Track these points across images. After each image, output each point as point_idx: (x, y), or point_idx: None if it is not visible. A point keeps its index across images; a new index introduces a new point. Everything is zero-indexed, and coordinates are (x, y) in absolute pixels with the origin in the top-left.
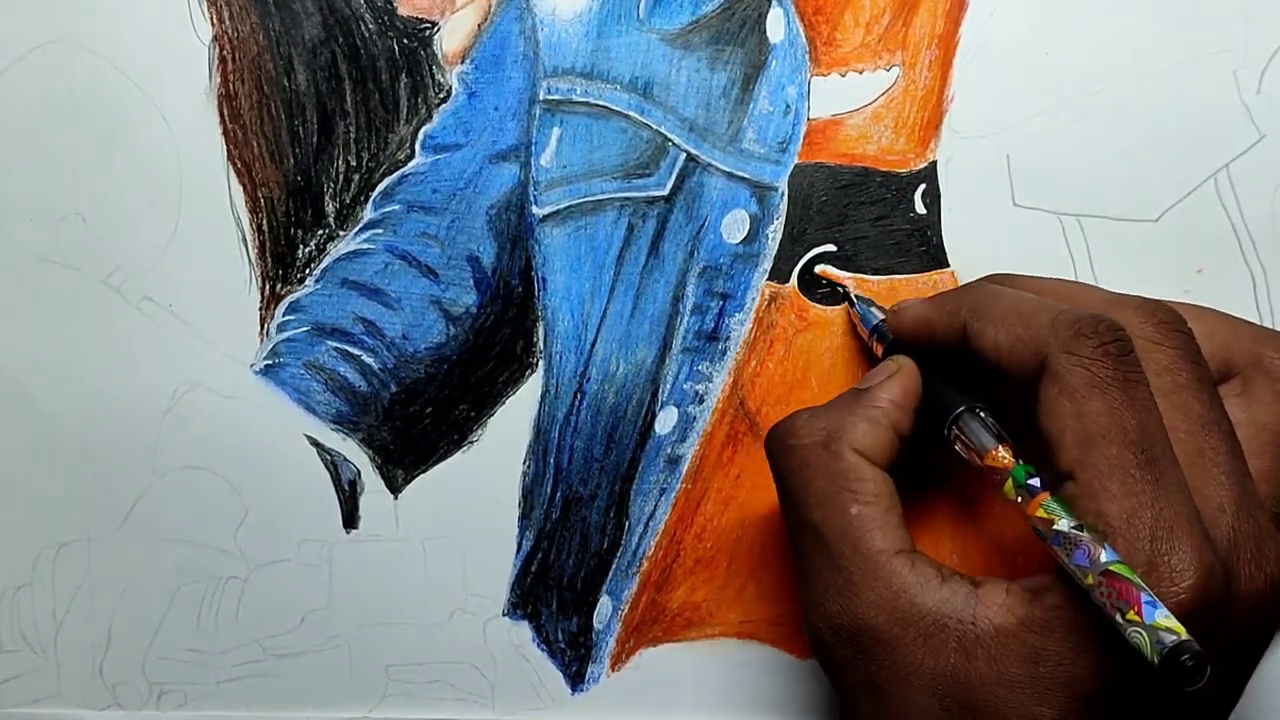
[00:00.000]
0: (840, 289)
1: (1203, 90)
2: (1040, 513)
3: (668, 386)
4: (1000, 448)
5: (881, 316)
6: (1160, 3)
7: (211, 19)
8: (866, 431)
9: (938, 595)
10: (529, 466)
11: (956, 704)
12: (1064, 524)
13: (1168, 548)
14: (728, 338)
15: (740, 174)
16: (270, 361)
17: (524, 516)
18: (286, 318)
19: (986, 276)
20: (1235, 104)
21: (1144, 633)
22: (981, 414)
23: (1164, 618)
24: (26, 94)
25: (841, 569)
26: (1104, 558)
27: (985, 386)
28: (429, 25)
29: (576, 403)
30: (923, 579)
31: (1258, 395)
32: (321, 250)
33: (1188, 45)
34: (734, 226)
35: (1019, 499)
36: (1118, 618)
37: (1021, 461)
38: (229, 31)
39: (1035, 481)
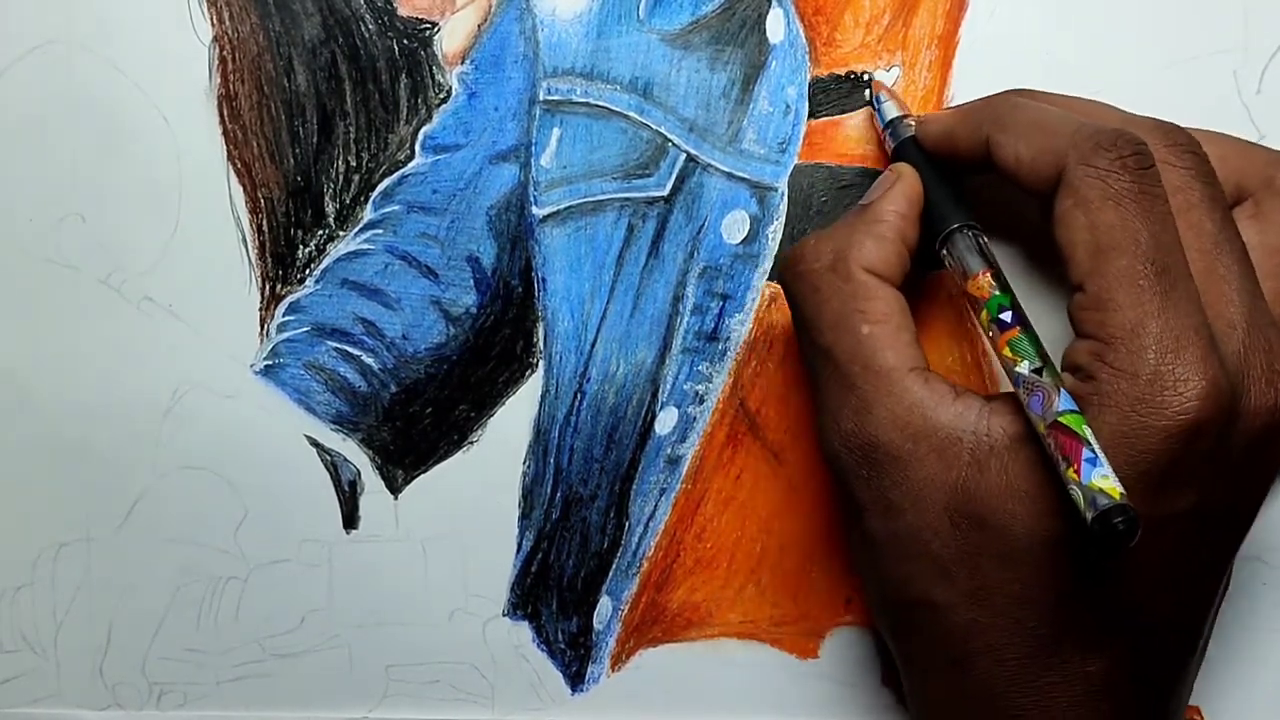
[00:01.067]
0: (862, 78)
1: (1203, 90)
2: (1006, 351)
3: (668, 387)
4: (984, 273)
5: (898, 113)
6: (1160, 2)
7: (211, 19)
8: (873, 248)
9: (951, 410)
10: (529, 467)
11: (965, 519)
12: (1025, 366)
13: (1173, 359)
14: (728, 338)
15: (740, 174)
16: (270, 362)
17: (524, 517)
18: (286, 318)
19: (1012, 90)
20: (1235, 104)
21: (1080, 491)
22: (973, 234)
23: (1100, 478)
24: (26, 94)
25: (855, 388)
26: (1058, 406)
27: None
28: (429, 26)
29: (576, 403)
30: (936, 395)
31: (1270, 217)
32: (321, 250)
33: (1187, 45)
34: (734, 227)
35: (990, 333)
36: (1061, 471)
37: (999, 291)
38: (229, 32)
39: (1006, 316)
